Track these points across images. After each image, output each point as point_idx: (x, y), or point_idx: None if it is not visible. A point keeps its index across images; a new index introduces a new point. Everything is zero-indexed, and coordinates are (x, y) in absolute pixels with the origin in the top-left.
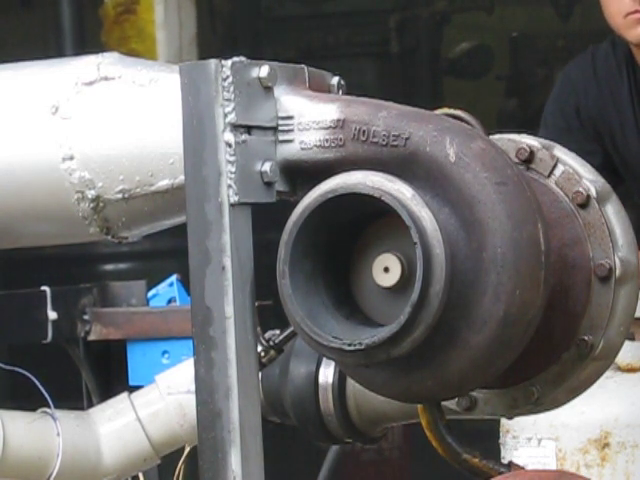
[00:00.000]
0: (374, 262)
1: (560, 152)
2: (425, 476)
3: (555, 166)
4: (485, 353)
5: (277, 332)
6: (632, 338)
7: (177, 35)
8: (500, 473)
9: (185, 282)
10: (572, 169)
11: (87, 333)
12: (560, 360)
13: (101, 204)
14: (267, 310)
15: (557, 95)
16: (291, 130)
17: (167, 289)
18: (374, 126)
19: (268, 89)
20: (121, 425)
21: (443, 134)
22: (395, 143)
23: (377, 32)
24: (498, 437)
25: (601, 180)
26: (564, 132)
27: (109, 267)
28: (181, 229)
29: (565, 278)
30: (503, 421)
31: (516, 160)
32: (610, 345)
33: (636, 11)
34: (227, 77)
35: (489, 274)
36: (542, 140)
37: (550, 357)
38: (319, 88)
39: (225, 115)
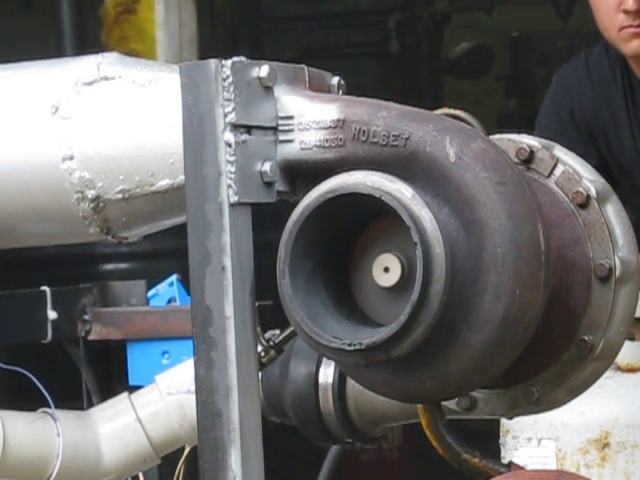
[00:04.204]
0: (374, 262)
1: (560, 152)
2: (425, 476)
3: (555, 166)
4: (485, 353)
5: (277, 332)
6: (632, 338)
7: (177, 35)
8: (500, 473)
9: (185, 282)
10: (572, 169)
11: (87, 333)
12: (560, 360)
13: (101, 204)
14: (267, 310)
15: (551, 98)
16: (291, 130)
17: (167, 289)
18: (374, 126)
19: (268, 89)
20: (121, 425)
21: (443, 134)
22: (395, 143)
23: (377, 32)
24: (498, 437)
25: (601, 180)
26: (559, 134)
27: (109, 267)
28: (181, 229)
29: (565, 278)
30: (503, 421)
31: (516, 160)
32: (610, 345)
33: (630, 26)
34: (227, 77)
35: (489, 274)
36: (542, 140)
37: (550, 357)
38: (319, 88)
39: (225, 115)
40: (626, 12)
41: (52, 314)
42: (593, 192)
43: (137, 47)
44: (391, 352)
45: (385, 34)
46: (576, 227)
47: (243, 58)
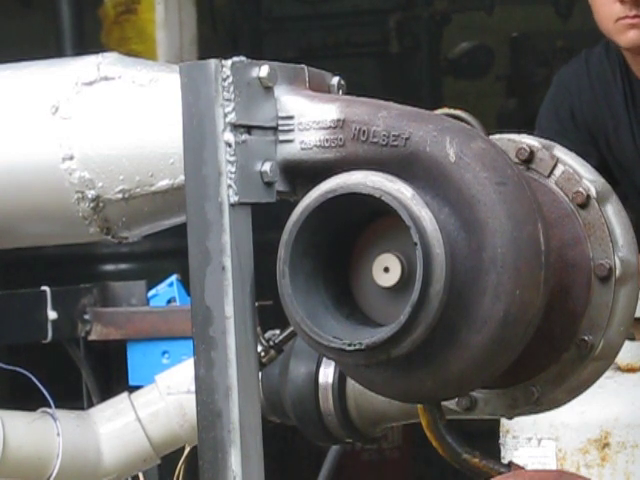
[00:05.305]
0: (374, 262)
1: (560, 152)
2: (425, 476)
3: (555, 166)
4: (485, 353)
5: (277, 332)
6: (632, 338)
7: (177, 35)
8: (500, 473)
9: (185, 282)
10: (572, 169)
11: (87, 333)
12: (560, 360)
13: (101, 204)
14: (267, 310)
15: (551, 98)
16: (291, 130)
17: (167, 289)
18: (374, 126)
19: (268, 89)
20: (121, 425)
21: (443, 134)
22: (395, 143)
23: (377, 32)
24: (498, 437)
25: (601, 180)
26: (559, 134)
27: (109, 267)
28: (181, 229)
29: (565, 278)
30: (503, 421)
31: (516, 160)
32: (610, 345)
33: (626, 16)
34: (227, 77)
35: (489, 274)
36: (542, 140)
37: (550, 357)
38: (319, 88)
39: (225, 115)
40: (622, 2)
41: (52, 314)
42: (593, 192)
43: (137, 47)
44: (391, 352)
45: (385, 34)
46: (576, 227)
47: (243, 58)
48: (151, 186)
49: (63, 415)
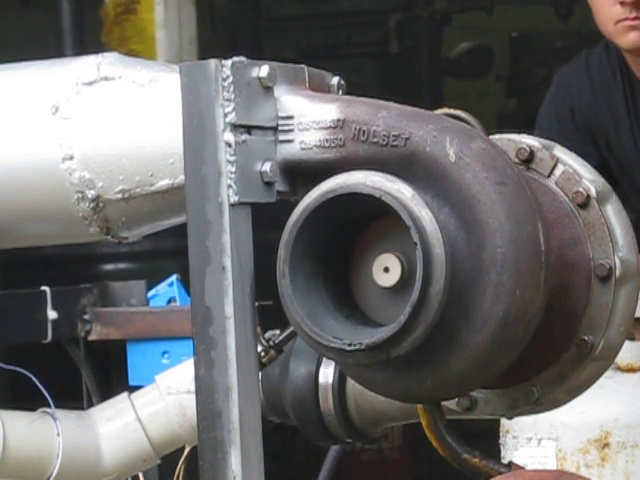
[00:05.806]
0: (374, 262)
1: (560, 152)
2: (425, 476)
3: (555, 166)
4: (485, 353)
5: (277, 332)
6: (632, 338)
7: (177, 35)
8: (500, 473)
9: (185, 282)
10: (572, 169)
11: (87, 333)
12: (560, 360)
13: (101, 204)
14: (267, 310)
15: (551, 98)
16: (291, 130)
17: (167, 289)
18: (374, 126)
19: (268, 89)
20: (121, 425)
21: (443, 134)
22: (395, 143)
23: (377, 32)
24: (498, 437)
25: (601, 180)
26: (559, 135)
27: (109, 267)
28: (181, 229)
29: (565, 278)
30: (503, 421)
31: (516, 160)
32: (610, 345)
33: (626, 18)
34: (227, 77)
35: (489, 274)
36: (542, 140)
37: (550, 357)
38: (319, 88)
39: (225, 115)
40: (623, 4)
41: (52, 314)
42: (593, 192)
43: (137, 47)
44: (391, 352)
45: (385, 34)
46: (576, 227)
47: (243, 58)
48: (151, 186)
49: (63, 415)
